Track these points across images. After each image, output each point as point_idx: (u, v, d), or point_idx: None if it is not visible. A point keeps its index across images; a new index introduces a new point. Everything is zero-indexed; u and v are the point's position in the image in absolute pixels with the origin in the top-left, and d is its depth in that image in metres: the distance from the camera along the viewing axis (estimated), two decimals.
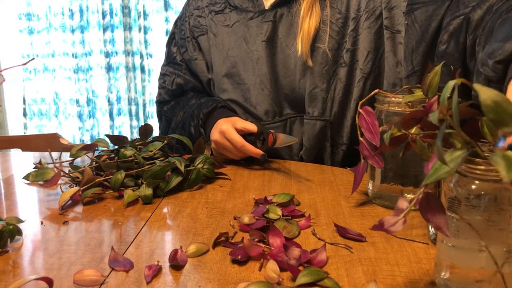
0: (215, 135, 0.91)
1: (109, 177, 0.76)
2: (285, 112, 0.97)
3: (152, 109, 2.60)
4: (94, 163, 0.82)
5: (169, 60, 1.11)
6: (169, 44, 1.12)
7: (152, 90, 2.57)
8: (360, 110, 0.65)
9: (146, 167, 0.77)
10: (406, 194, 0.67)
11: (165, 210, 0.70)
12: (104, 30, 2.46)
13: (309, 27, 0.90)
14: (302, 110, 0.96)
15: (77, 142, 2.59)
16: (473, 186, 0.42)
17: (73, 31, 2.47)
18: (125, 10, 2.44)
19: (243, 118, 0.96)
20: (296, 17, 0.93)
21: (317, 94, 0.92)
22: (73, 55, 2.50)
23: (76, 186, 0.78)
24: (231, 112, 0.98)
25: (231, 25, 0.99)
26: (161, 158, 0.81)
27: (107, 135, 0.87)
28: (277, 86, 0.96)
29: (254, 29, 0.95)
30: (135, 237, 0.61)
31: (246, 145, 0.87)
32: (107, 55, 2.49)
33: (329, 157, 0.96)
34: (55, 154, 0.95)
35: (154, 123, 2.31)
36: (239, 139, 0.87)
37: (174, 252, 0.53)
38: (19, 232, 0.60)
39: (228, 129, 0.89)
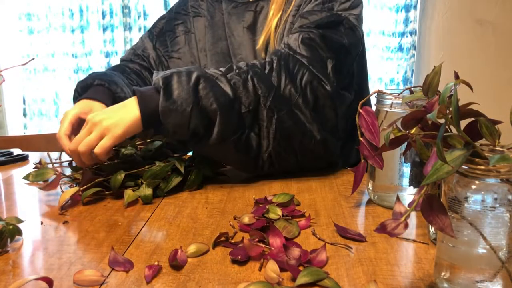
0: None
1: (109, 177, 0.76)
2: None
3: None
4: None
5: (149, 28, 1.14)
6: (158, 20, 1.15)
7: None
8: (360, 110, 0.65)
9: (146, 167, 0.77)
10: (405, 194, 0.67)
11: (165, 210, 0.70)
12: (104, 30, 2.45)
13: (272, 26, 0.96)
14: None
15: None
16: (473, 186, 0.42)
17: (73, 31, 2.47)
18: (125, 10, 2.43)
19: None
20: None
21: None
22: (73, 55, 2.50)
23: (76, 186, 0.78)
24: (106, 93, 0.90)
25: (223, 12, 1.05)
26: (161, 158, 0.81)
27: None
28: None
29: (236, 16, 1.01)
30: (135, 237, 0.61)
31: (61, 137, 0.80)
32: (107, 55, 2.49)
33: None
34: (55, 154, 0.95)
35: None
36: (60, 128, 0.81)
37: (174, 252, 0.53)
38: (19, 232, 0.60)
39: (66, 114, 0.83)
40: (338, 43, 0.84)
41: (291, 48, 0.83)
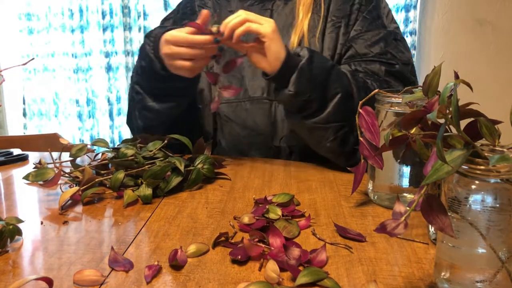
0: (162, 49, 0.85)
1: (109, 177, 0.76)
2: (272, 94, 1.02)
3: None
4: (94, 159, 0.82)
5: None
6: (162, 21, 1.13)
7: None
8: (360, 110, 0.65)
9: (146, 167, 0.77)
10: (405, 194, 0.68)
11: (165, 210, 0.70)
12: (104, 30, 2.45)
13: (304, 26, 0.99)
14: None
15: (77, 142, 2.59)
16: (473, 186, 0.42)
17: (73, 31, 2.47)
18: (125, 10, 2.43)
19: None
20: (289, 11, 0.99)
21: None
22: (73, 55, 2.50)
23: (76, 186, 0.78)
24: None
25: (232, 11, 1.03)
26: (161, 158, 0.81)
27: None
28: None
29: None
30: (135, 237, 0.61)
31: (191, 36, 0.81)
32: (107, 55, 2.49)
33: None
34: (55, 154, 0.95)
35: None
36: (182, 34, 0.81)
37: (174, 252, 0.53)
38: (19, 232, 0.60)
39: (170, 34, 0.83)
40: (410, 63, 0.94)
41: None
